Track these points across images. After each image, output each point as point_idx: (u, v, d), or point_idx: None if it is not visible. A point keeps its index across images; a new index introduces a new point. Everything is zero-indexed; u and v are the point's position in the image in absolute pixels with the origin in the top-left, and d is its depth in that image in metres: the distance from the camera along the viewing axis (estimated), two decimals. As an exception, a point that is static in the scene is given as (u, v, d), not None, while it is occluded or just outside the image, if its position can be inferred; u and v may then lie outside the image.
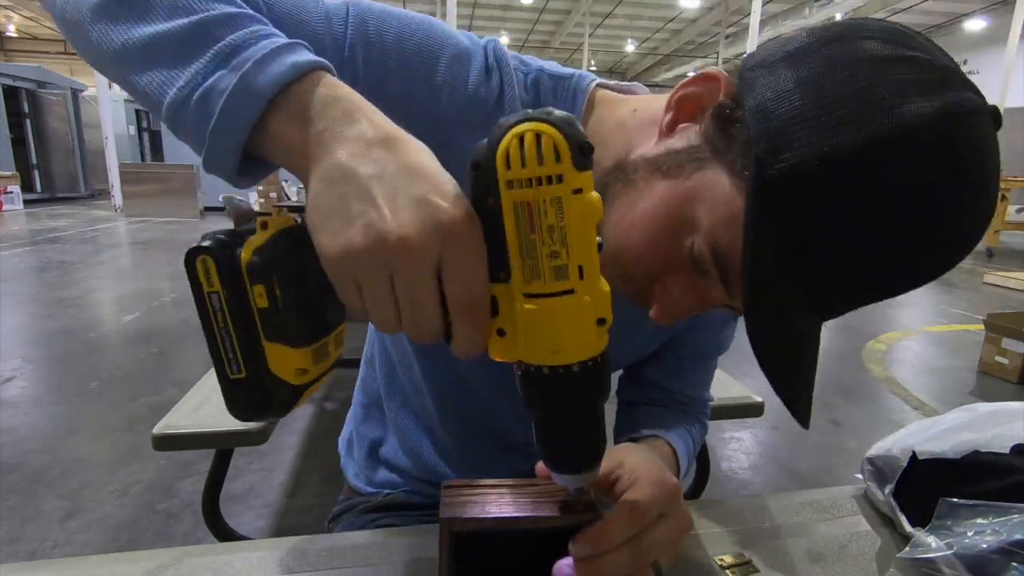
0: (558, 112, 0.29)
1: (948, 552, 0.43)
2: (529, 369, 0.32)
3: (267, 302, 0.31)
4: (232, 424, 1.22)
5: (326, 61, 0.33)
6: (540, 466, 0.44)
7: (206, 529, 1.36)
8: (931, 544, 0.45)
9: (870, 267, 0.35)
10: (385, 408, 0.69)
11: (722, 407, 1.45)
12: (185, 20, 0.32)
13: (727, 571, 0.46)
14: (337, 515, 0.69)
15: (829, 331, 3.76)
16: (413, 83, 0.45)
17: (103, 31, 0.33)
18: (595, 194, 0.30)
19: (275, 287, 0.31)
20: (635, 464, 0.44)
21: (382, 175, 0.29)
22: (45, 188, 10.45)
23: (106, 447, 2.02)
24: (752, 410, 1.49)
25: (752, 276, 0.35)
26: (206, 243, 0.31)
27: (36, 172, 10.30)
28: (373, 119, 0.31)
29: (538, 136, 0.28)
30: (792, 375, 0.38)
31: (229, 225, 0.36)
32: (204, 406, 1.30)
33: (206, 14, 0.32)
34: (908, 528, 0.49)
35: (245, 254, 0.31)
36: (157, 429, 1.18)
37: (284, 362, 0.33)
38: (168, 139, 9.51)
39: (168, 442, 1.18)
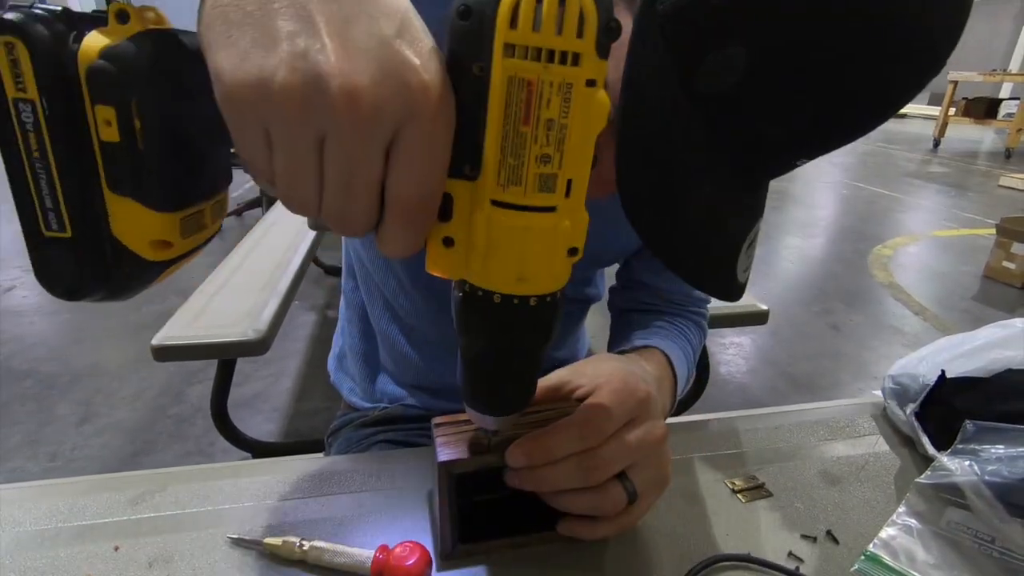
0: None
1: (975, 477, 0.41)
2: (476, 293, 0.26)
3: (118, 135, 0.22)
4: (231, 334, 1.21)
5: None
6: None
7: (218, 432, 1.41)
8: (953, 469, 0.43)
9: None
10: (370, 316, 0.66)
11: (727, 315, 1.44)
12: None
13: (738, 495, 0.44)
14: (335, 430, 0.68)
15: (834, 237, 3.70)
16: None
17: None
18: (605, 94, 0.23)
19: (134, 115, 0.21)
20: (598, 373, 0.40)
21: None
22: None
23: (114, 355, 2.05)
24: (757, 318, 1.48)
25: (628, 113, 0.28)
26: (13, 17, 0.20)
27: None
28: None
29: None
30: (692, 243, 0.32)
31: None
32: (203, 315, 1.28)
33: None
34: (931, 450, 0.47)
35: (87, 52, 0.21)
36: (156, 340, 1.17)
37: (136, 227, 0.23)
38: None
39: (168, 352, 1.17)
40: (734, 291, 0.33)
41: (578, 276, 0.63)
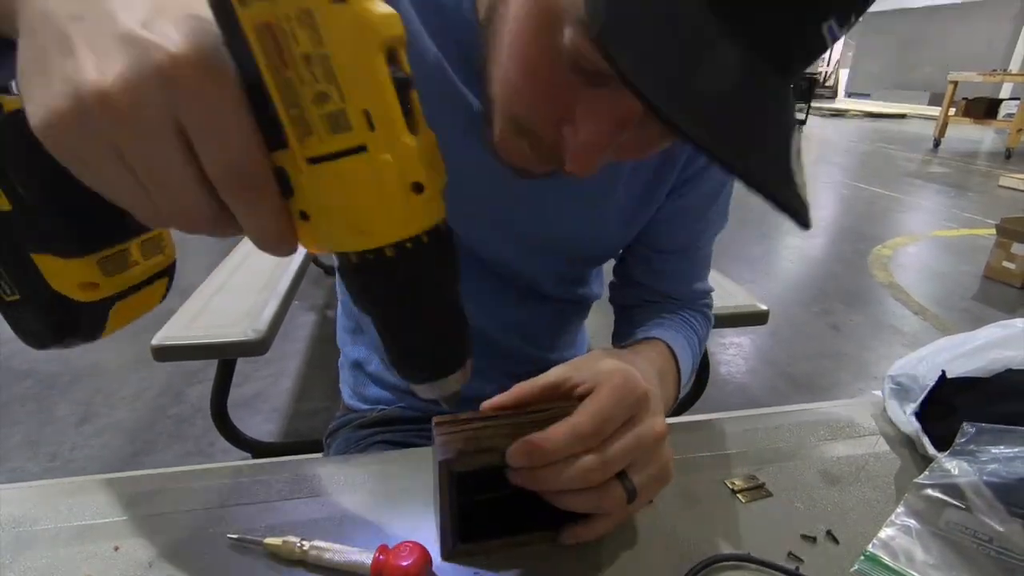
0: None
1: (975, 478, 0.41)
2: (344, 260, 0.25)
3: (9, 203, 0.24)
4: (231, 334, 1.21)
5: None
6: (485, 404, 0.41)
7: (218, 432, 1.41)
8: (952, 470, 0.43)
9: None
10: (362, 324, 0.66)
11: (726, 315, 1.44)
12: None
13: (738, 495, 0.44)
14: (333, 431, 0.69)
15: (834, 237, 3.70)
16: None
17: None
18: (374, 4, 0.21)
19: (14, 183, 0.24)
20: (597, 370, 0.39)
21: (84, 12, 0.21)
22: (22, 89, 9.96)
23: (113, 355, 2.05)
24: (757, 318, 1.47)
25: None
26: None
27: (10, 71, 9.77)
28: None
29: None
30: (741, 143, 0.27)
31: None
32: (203, 315, 1.28)
33: None
34: (931, 450, 0.47)
35: None
36: (156, 340, 1.17)
37: (62, 276, 0.26)
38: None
39: (168, 352, 1.17)
40: (796, 199, 0.28)
41: (568, 275, 0.62)
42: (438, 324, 0.28)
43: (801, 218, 0.27)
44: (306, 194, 0.23)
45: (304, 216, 0.24)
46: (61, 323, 0.27)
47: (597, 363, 0.40)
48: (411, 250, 0.24)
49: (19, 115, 0.24)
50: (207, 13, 0.21)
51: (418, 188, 0.23)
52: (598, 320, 0.95)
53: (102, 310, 0.27)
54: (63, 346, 0.28)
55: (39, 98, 0.21)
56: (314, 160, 0.22)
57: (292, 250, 0.25)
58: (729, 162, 0.25)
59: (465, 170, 0.45)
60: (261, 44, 0.21)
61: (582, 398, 0.37)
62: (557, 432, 0.35)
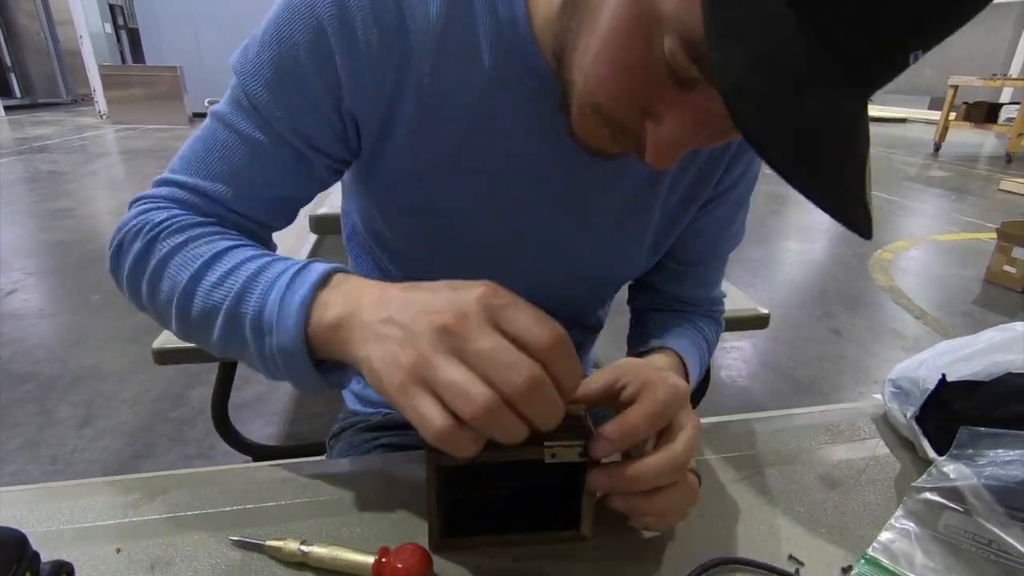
0: None
1: (975, 481, 0.41)
2: None
3: None
4: (232, 338, 1.21)
5: (319, 267, 0.38)
6: None
7: (218, 435, 1.41)
8: (951, 473, 0.43)
9: None
10: None
11: (727, 319, 1.42)
12: (220, 319, 0.40)
13: (738, 498, 0.44)
14: (337, 433, 0.68)
15: (835, 241, 3.70)
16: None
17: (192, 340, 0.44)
18: None
19: None
20: (639, 374, 0.39)
21: None
22: (25, 93, 10.00)
23: (114, 357, 2.05)
24: (758, 322, 1.47)
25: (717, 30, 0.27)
26: None
27: (12, 75, 9.81)
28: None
29: None
30: (818, 164, 0.29)
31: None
32: (204, 319, 1.29)
33: (225, 304, 0.39)
34: (932, 454, 0.47)
35: None
36: (157, 344, 1.17)
37: None
38: (148, 38, 8.91)
39: (169, 356, 1.17)
40: (864, 218, 0.30)
41: (593, 301, 0.63)
42: None
43: (867, 233, 0.30)
44: None
45: None
46: None
47: (637, 368, 0.40)
48: None
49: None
50: None
51: None
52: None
53: None
54: None
55: None
56: None
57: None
58: (816, 195, 0.29)
59: (523, 196, 0.49)
60: None
61: (628, 400, 0.38)
62: (631, 421, 0.35)
